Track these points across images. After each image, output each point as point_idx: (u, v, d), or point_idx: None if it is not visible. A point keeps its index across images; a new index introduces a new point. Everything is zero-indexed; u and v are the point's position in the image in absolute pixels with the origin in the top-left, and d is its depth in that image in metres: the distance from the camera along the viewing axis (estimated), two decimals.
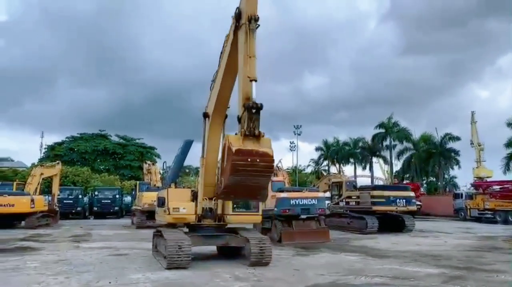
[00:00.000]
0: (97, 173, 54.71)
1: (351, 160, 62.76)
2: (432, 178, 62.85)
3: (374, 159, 61.87)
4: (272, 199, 18.61)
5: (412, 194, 23.68)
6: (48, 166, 30.89)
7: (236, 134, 9.20)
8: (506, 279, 10.06)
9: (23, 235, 20.19)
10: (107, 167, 61.58)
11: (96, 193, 40.06)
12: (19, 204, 23.69)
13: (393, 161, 58.66)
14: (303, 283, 9.37)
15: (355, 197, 24.00)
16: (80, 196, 38.58)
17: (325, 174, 52.56)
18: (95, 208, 39.09)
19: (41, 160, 56.19)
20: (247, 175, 8.67)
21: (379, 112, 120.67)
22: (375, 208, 22.30)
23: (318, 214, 18.68)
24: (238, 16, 9.94)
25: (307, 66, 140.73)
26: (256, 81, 9.04)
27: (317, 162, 68.92)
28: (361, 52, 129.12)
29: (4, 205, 23.45)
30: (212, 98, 11.93)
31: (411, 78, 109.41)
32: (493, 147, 58.44)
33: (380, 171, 64.43)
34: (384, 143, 58.57)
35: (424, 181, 62.78)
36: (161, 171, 32.37)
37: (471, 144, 43.33)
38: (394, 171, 59.33)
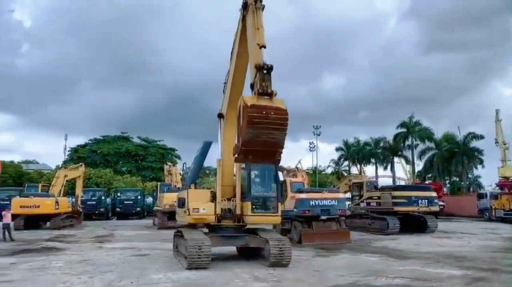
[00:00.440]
0: (119, 174, 55.59)
1: (372, 160, 62.05)
2: (455, 178, 61.65)
3: (396, 159, 61.00)
4: (291, 200, 18.62)
5: (434, 194, 23.26)
6: (71, 168, 31.56)
7: None
8: None
9: (48, 236, 20.71)
10: (129, 169, 62.53)
11: (118, 194, 40.72)
12: (44, 205, 24.31)
13: (415, 160, 57.82)
14: (323, 284, 9.35)
15: (376, 198, 23.73)
16: (103, 198, 39.15)
17: (345, 174, 52.14)
18: (118, 209, 39.77)
19: (65, 163, 57.43)
20: (262, 129, 9.15)
21: (401, 111, 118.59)
22: (396, 208, 22.00)
23: (339, 215, 18.56)
24: (244, 5, 11.01)
25: (326, 66, 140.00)
26: (265, 47, 9.78)
27: (337, 163, 68.42)
28: (381, 51, 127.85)
29: (30, 207, 24.12)
30: (226, 99, 12.45)
31: (433, 76, 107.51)
32: None
33: (401, 171, 63.51)
34: (406, 143, 57.73)
35: (447, 181, 61.63)
36: (181, 172, 32.69)
37: (495, 143, 42.23)
38: (416, 171, 58.44)
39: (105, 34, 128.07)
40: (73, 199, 30.22)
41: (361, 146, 63.78)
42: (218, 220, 11.84)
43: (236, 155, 10.14)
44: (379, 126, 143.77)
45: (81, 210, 31.48)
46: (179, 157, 66.72)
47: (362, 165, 60.47)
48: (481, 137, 51.07)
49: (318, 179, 57.25)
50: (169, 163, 38.66)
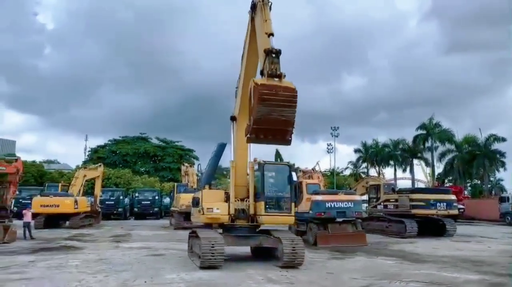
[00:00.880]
0: (138, 175, 56.18)
1: (391, 162, 61.24)
2: (476, 180, 60.40)
3: (416, 161, 60.04)
4: (307, 201, 18.55)
5: (453, 197, 22.79)
6: (90, 168, 32.00)
7: None
8: None
9: (67, 235, 21.09)
10: (147, 169, 63.13)
11: (136, 194, 41.22)
12: (64, 205, 24.75)
13: (435, 163, 56.84)
14: None
15: (393, 200, 23.41)
16: (121, 198, 39.59)
17: (363, 176, 51.59)
18: (136, 209, 40.25)
19: (84, 163, 58.36)
20: (272, 106, 9.34)
21: (420, 113, 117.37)
22: (414, 211, 21.66)
23: (355, 217, 18.40)
24: (253, 6, 11.47)
25: (345, 66, 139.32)
26: (273, 35, 10.19)
27: (355, 164, 67.78)
28: (401, 52, 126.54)
29: (50, 206, 24.59)
30: (237, 103, 12.69)
31: (454, 77, 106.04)
32: None
33: (421, 173, 62.53)
34: (426, 145, 56.82)
35: (469, 184, 60.44)
36: (197, 173, 32.86)
37: None
38: (436, 173, 57.48)
39: (125, 36, 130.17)
40: (92, 199, 30.67)
41: (379, 148, 63.04)
42: (232, 220, 11.91)
43: (248, 135, 10.15)
44: (398, 128, 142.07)
45: (99, 209, 31.86)
46: (197, 158, 67.13)
47: (381, 167, 59.95)
48: (503, 139, 49.99)
49: (336, 181, 56.85)
50: (186, 164, 38.89)
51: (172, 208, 30.24)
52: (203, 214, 11.84)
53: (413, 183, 56.47)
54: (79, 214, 26.07)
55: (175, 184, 37.48)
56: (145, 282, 9.46)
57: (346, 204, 18.01)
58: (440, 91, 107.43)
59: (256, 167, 12.23)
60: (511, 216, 34.54)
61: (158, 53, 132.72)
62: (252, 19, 11.63)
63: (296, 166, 21.00)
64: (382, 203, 24.38)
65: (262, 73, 9.91)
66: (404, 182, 58.83)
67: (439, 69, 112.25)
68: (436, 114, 57.56)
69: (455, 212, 22.87)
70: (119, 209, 38.76)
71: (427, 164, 59.04)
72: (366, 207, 26.11)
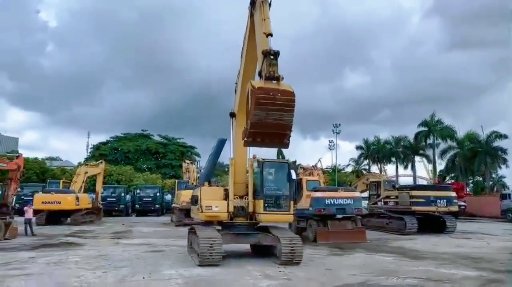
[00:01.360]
0: (139, 172, 56.29)
1: (393, 159, 61.16)
2: (478, 177, 60.24)
3: (417, 158, 59.88)
4: (307, 198, 18.56)
5: (453, 194, 22.79)
6: (92, 165, 32.09)
7: None
8: None
9: (68, 231, 21.17)
10: (149, 166, 63.29)
11: (137, 191, 41.21)
12: (65, 201, 24.83)
13: (436, 160, 56.71)
14: (333, 283, 9.32)
15: (393, 197, 23.43)
16: (122, 194, 39.71)
17: (365, 173, 51.54)
18: (137, 206, 40.24)
19: (86, 159, 58.50)
20: (270, 110, 9.19)
21: (422, 110, 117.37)
22: (414, 208, 21.67)
23: (355, 214, 18.42)
24: (252, 2, 11.45)
25: (348, 64, 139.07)
26: (271, 35, 10.05)
27: (357, 161, 67.70)
28: (403, 49, 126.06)
29: (52, 203, 24.65)
30: (237, 99, 12.68)
31: (456, 74, 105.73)
32: None
33: (423, 170, 62.41)
34: (427, 142, 56.70)
35: (471, 181, 60.28)
36: (197, 170, 32.96)
37: None
38: (438, 170, 57.33)
39: (128, 35, 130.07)
40: (94, 196, 30.76)
41: (381, 145, 62.95)
42: (231, 217, 11.92)
43: (245, 139, 10.08)
44: (400, 125, 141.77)
45: (101, 206, 31.97)
46: (198, 155, 67.24)
47: (383, 164, 59.82)
48: (505, 136, 49.75)
49: (337, 178, 56.81)
50: (187, 161, 38.93)
51: (173, 205, 30.33)
52: (202, 212, 11.83)
53: (414, 180, 56.35)
54: (80, 211, 26.18)
55: (176, 181, 37.52)
56: (144, 278, 9.52)
57: (345, 201, 18.02)
58: (442, 88, 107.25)
59: (255, 164, 12.24)
60: None
61: (160, 52, 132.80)
62: (252, 15, 11.59)
63: (297, 163, 21.04)
64: (382, 200, 24.42)
65: (260, 75, 9.76)
66: (406, 179, 58.75)
67: (441, 67, 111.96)
68: (437, 111, 57.63)
69: (455, 209, 22.89)
70: (121, 206, 38.82)
71: (429, 161, 58.96)
72: (367, 203, 26.12)
